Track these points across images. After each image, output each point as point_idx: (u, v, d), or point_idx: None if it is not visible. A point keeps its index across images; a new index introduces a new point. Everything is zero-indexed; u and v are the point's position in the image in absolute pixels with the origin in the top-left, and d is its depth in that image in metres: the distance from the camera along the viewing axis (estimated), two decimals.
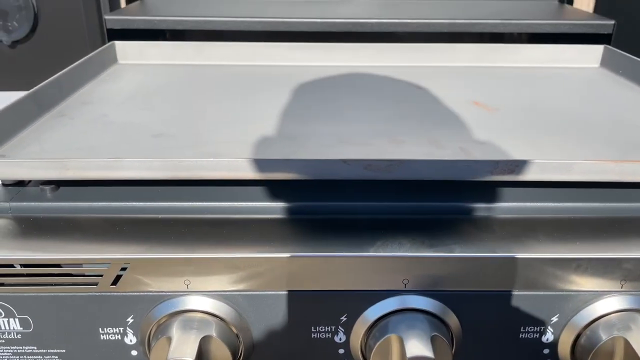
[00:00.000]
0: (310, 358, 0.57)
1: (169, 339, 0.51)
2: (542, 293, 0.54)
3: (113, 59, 1.03)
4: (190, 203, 0.60)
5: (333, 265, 0.53)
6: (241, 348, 0.55)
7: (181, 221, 0.58)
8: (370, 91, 0.89)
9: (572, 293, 0.54)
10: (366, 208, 0.60)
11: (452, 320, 0.55)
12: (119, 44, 1.04)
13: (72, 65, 0.87)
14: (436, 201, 0.60)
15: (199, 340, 0.51)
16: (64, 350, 0.56)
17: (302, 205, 0.60)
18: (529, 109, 0.82)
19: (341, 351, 0.57)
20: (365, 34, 1.09)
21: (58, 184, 0.63)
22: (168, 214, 0.59)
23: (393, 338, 0.52)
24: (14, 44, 1.30)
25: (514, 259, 0.53)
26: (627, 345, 0.52)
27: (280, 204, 0.60)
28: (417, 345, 0.50)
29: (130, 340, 0.56)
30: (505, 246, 0.54)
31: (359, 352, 0.56)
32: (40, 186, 0.62)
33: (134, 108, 0.81)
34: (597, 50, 1.04)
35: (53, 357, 0.57)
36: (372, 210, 0.60)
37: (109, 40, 1.08)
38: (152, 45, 1.05)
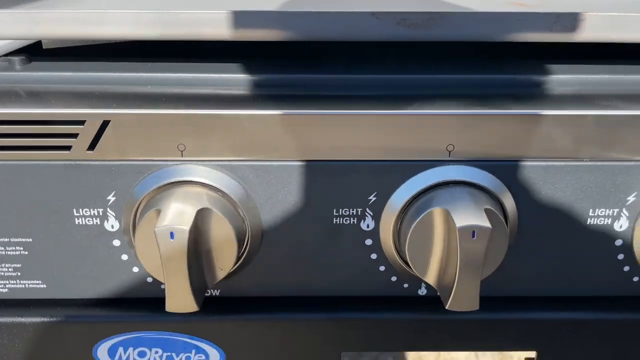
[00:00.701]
0: (331, 250, 0.47)
1: (158, 211, 0.41)
2: (617, 163, 0.44)
3: None
4: (186, 74, 0.49)
5: (360, 127, 0.43)
6: (248, 233, 0.45)
7: (176, 94, 0.48)
8: None
9: None
10: (397, 81, 0.50)
11: (507, 198, 0.45)
12: None
13: None
14: (485, 73, 0.50)
15: (195, 211, 0.41)
16: (30, 240, 0.46)
17: (317, 77, 0.50)
18: None
19: (369, 242, 0.47)
20: None
21: (29, 56, 0.53)
22: (160, 86, 0.49)
23: (436, 212, 0.42)
24: None
25: (584, 116, 0.43)
26: None
27: (293, 76, 0.50)
28: (469, 214, 0.40)
29: (112, 226, 0.46)
30: (571, 104, 0.44)
31: (391, 242, 0.46)
32: (8, 57, 0.52)
33: None
34: None
35: (17, 248, 0.46)
36: (405, 84, 0.50)
37: None
38: None
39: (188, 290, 0.40)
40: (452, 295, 0.41)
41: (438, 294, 0.45)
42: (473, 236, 0.39)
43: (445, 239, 0.42)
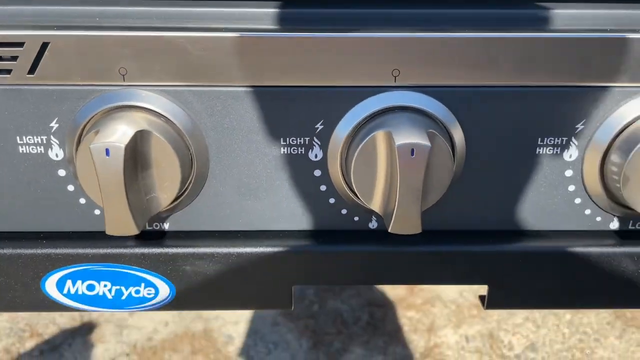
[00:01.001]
0: (280, 182, 0.47)
1: (97, 132, 0.41)
2: (566, 89, 0.44)
3: None
4: (134, 8, 0.48)
5: (306, 50, 0.42)
6: (194, 162, 0.45)
7: (121, 25, 0.47)
8: None
9: (602, 88, 0.44)
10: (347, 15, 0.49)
11: (454, 126, 0.44)
12: None
13: None
14: (437, 8, 0.49)
15: (134, 131, 0.40)
16: None
17: (266, 11, 0.49)
18: None
19: (317, 173, 0.46)
20: None
21: None
22: (109, 18, 0.48)
23: (379, 135, 0.41)
24: None
25: (532, 39, 0.42)
26: None
27: (240, 10, 0.49)
28: (409, 134, 0.40)
29: (56, 155, 0.45)
30: (519, 27, 0.44)
31: (339, 173, 0.46)
32: None
33: None
34: None
35: None
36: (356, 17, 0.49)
37: None
38: None
39: (127, 211, 0.40)
40: (393, 216, 0.41)
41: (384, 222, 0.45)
42: (412, 154, 0.39)
43: (389, 162, 0.41)
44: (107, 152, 0.38)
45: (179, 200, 0.45)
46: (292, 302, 0.49)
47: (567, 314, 1.94)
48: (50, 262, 0.47)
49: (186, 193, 0.45)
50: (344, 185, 0.46)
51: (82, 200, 0.47)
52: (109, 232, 0.41)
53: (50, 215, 0.47)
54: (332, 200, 0.47)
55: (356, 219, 0.48)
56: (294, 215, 0.48)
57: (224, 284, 0.49)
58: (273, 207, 0.47)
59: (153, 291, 0.48)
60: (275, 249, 0.48)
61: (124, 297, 0.48)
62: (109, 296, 0.48)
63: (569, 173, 0.46)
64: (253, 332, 1.84)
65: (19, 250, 0.47)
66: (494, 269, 0.48)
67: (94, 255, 0.47)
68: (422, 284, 0.49)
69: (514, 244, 0.48)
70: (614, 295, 0.49)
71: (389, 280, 0.49)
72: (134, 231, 0.41)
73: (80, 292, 0.48)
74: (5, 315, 1.87)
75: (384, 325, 1.89)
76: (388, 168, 0.42)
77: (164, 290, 0.48)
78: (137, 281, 0.47)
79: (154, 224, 0.48)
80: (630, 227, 0.48)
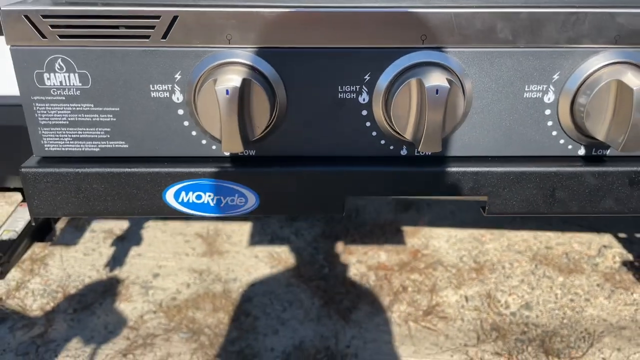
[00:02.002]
0: (337, 119, 0.64)
1: (215, 80, 0.58)
2: (545, 49, 0.60)
3: None
4: None
5: (357, 20, 0.59)
6: (277, 105, 0.62)
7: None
8: None
9: (571, 49, 0.61)
10: None
11: (465, 76, 0.61)
12: None
13: None
14: None
15: (241, 79, 0.57)
16: (118, 109, 0.63)
17: None
18: None
19: (364, 112, 0.64)
20: None
21: None
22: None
23: (413, 82, 0.58)
24: None
25: (519, 13, 0.59)
26: (621, 84, 0.58)
27: None
28: (435, 79, 0.57)
29: (178, 99, 0.62)
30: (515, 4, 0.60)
31: (381, 112, 0.63)
32: None
33: None
34: None
35: (108, 115, 0.63)
36: None
37: None
38: None
39: (237, 134, 0.57)
40: (422, 139, 0.58)
41: (415, 150, 0.62)
42: (437, 93, 0.56)
43: (418, 100, 0.58)
44: (227, 92, 0.55)
45: (266, 131, 0.62)
46: (344, 210, 0.66)
47: (560, 277, 2.07)
48: (170, 178, 0.64)
49: (271, 126, 0.62)
50: (384, 121, 0.63)
51: (194, 133, 0.64)
52: (224, 149, 0.58)
53: (170, 144, 0.64)
54: (374, 134, 0.64)
55: (391, 147, 0.65)
56: (346, 144, 0.65)
57: (294, 194, 0.66)
58: (332, 138, 0.64)
59: (243, 200, 0.65)
60: (332, 169, 0.65)
61: (222, 205, 0.65)
62: (212, 204, 0.65)
63: (547, 112, 0.63)
64: (269, 292, 1.99)
65: (147, 169, 0.64)
66: (492, 185, 0.65)
67: (203, 172, 0.64)
68: (439, 197, 0.65)
69: (506, 166, 0.65)
70: (581, 203, 0.66)
71: (414, 193, 0.65)
72: (240, 149, 0.58)
73: (190, 201, 0.65)
74: (38, 278, 2.01)
75: (389, 286, 2.03)
76: (418, 105, 0.59)
77: (252, 199, 0.65)
78: (232, 192, 0.64)
79: (244, 151, 0.65)
80: (593, 153, 0.66)
